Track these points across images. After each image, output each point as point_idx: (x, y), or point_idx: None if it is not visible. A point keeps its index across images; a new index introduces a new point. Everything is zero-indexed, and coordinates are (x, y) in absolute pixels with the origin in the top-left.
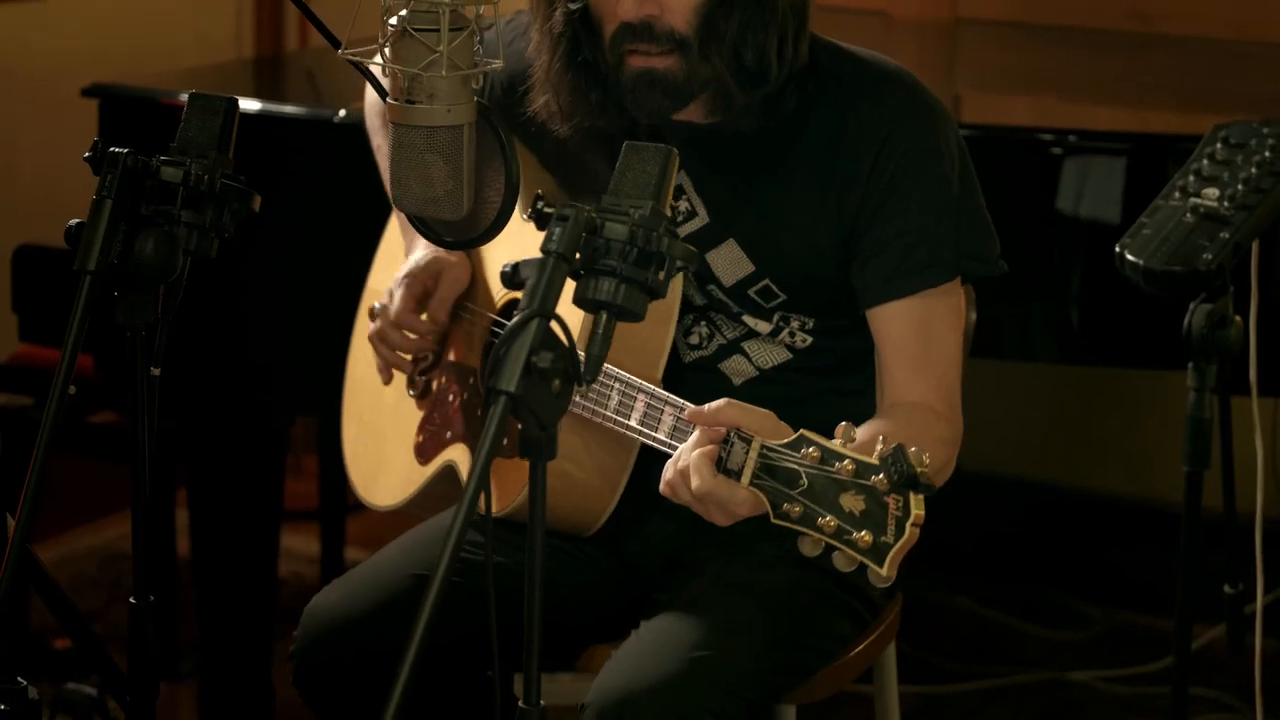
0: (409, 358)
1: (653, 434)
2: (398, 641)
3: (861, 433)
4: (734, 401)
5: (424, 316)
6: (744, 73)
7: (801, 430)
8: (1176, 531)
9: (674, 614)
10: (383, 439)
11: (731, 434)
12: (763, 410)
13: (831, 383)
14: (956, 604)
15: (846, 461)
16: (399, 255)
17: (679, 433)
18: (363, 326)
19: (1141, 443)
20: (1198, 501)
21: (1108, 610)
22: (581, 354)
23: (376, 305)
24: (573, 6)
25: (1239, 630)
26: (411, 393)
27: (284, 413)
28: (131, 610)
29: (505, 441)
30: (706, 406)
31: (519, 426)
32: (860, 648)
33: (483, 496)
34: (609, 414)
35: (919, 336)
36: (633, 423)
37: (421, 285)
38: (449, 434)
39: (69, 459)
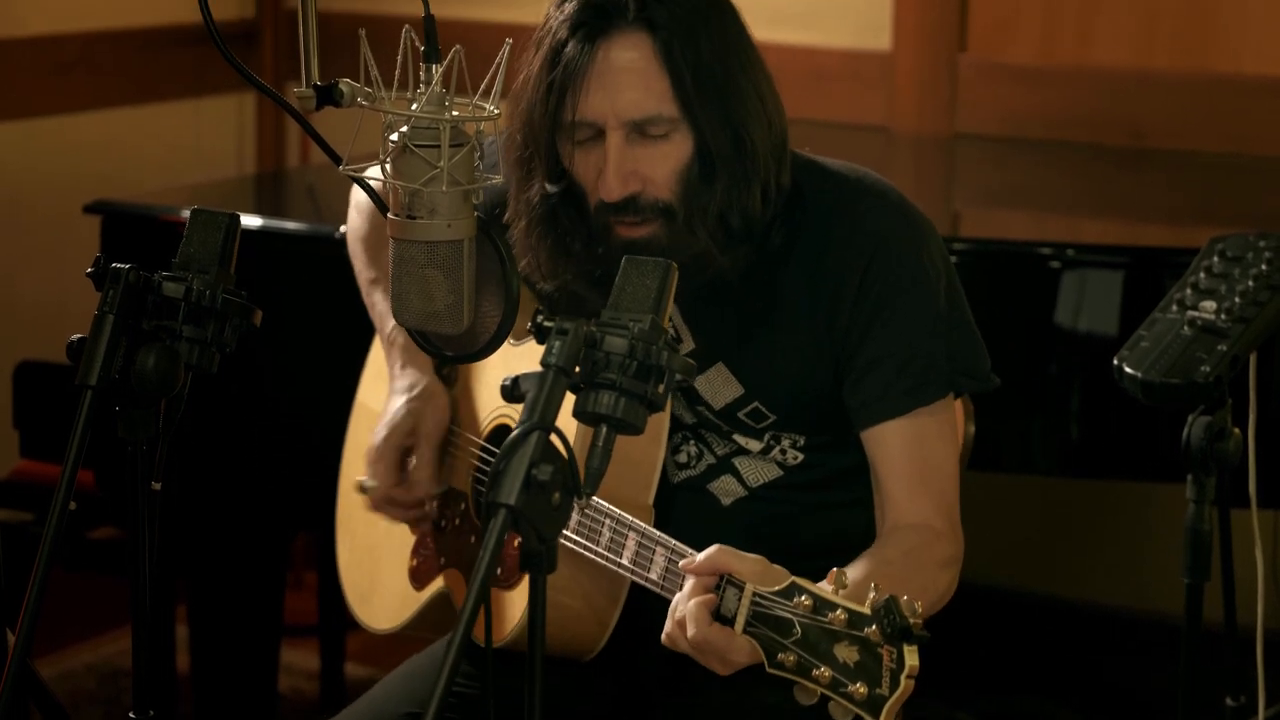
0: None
1: (645, 575)
2: None
3: (854, 573)
4: (725, 547)
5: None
6: (731, 235)
7: (793, 579)
8: (1177, 644)
9: None
10: (377, 560)
11: (723, 580)
12: (754, 556)
13: (822, 497)
14: None
15: (839, 611)
16: (385, 371)
17: (671, 575)
18: (354, 442)
19: (1141, 555)
20: (1198, 614)
21: None
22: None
23: (364, 482)
24: (550, 189)
25: None
26: None
27: (282, 527)
28: None
29: (500, 571)
30: (699, 556)
31: (516, 544)
32: None
33: (483, 619)
34: (601, 550)
35: (915, 456)
36: (624, 561)
37: (398, 454)
38: (442, 560)
39: (69, 574)
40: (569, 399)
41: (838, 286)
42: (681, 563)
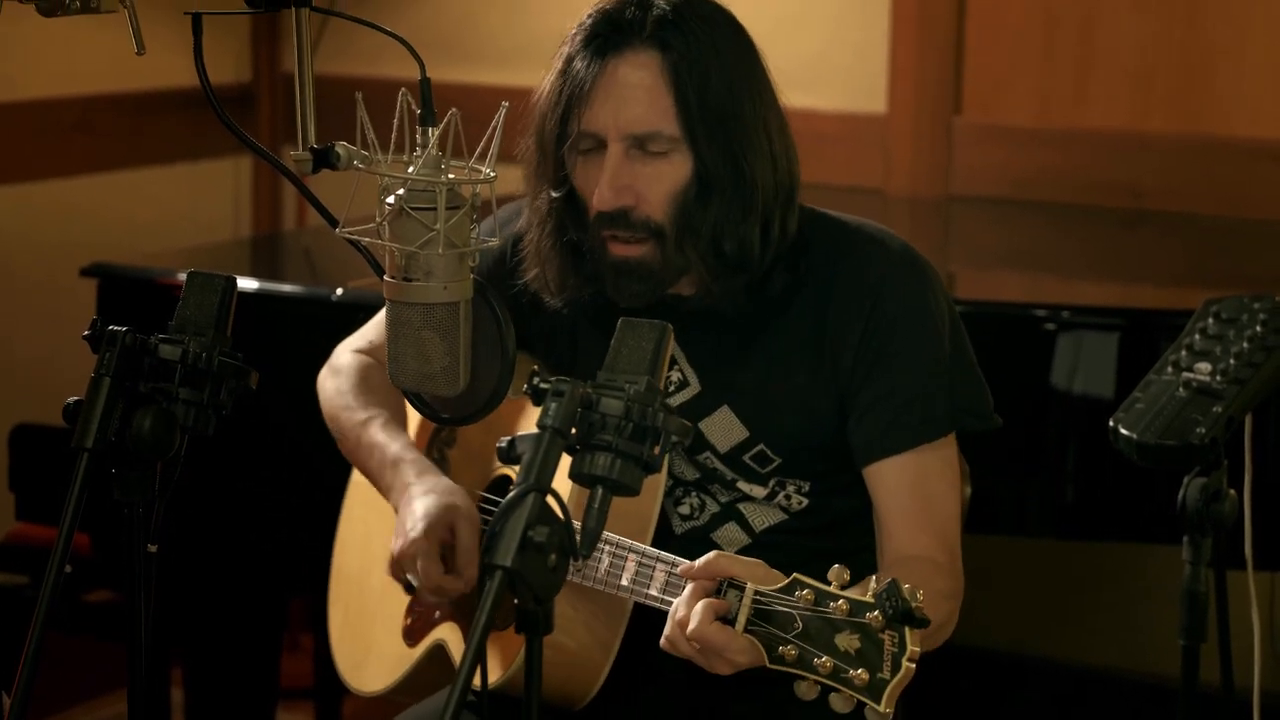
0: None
1: (645, 591)
2: None
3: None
4: (723, 552)
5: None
6: (724, 261)
7: (795, 574)
8: (1174, 706)
9: None
10: (369, 624)
11: (724, 583)
12: (753, 560)
13: (826, 544)
14: None
15: (841, 601)
16: None
17: (671, 588)
18: (349, 513)
19: (1137, 617)
20: (1195, 676)
21: None
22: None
23: (413, 580)
24: (555, 194)
25: None
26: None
27: (278, 590)
28: None
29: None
30: (697, 561)
31: (514, 601)
32: None
33: (479, 672)
34: (600, 578)
35: (917, 492)
36: (624, 582)
37: (438, 548)
38: (437, 614)
39: (65, 638)
40: (565, 460)
41: (842, 328)
42: (680, 568)
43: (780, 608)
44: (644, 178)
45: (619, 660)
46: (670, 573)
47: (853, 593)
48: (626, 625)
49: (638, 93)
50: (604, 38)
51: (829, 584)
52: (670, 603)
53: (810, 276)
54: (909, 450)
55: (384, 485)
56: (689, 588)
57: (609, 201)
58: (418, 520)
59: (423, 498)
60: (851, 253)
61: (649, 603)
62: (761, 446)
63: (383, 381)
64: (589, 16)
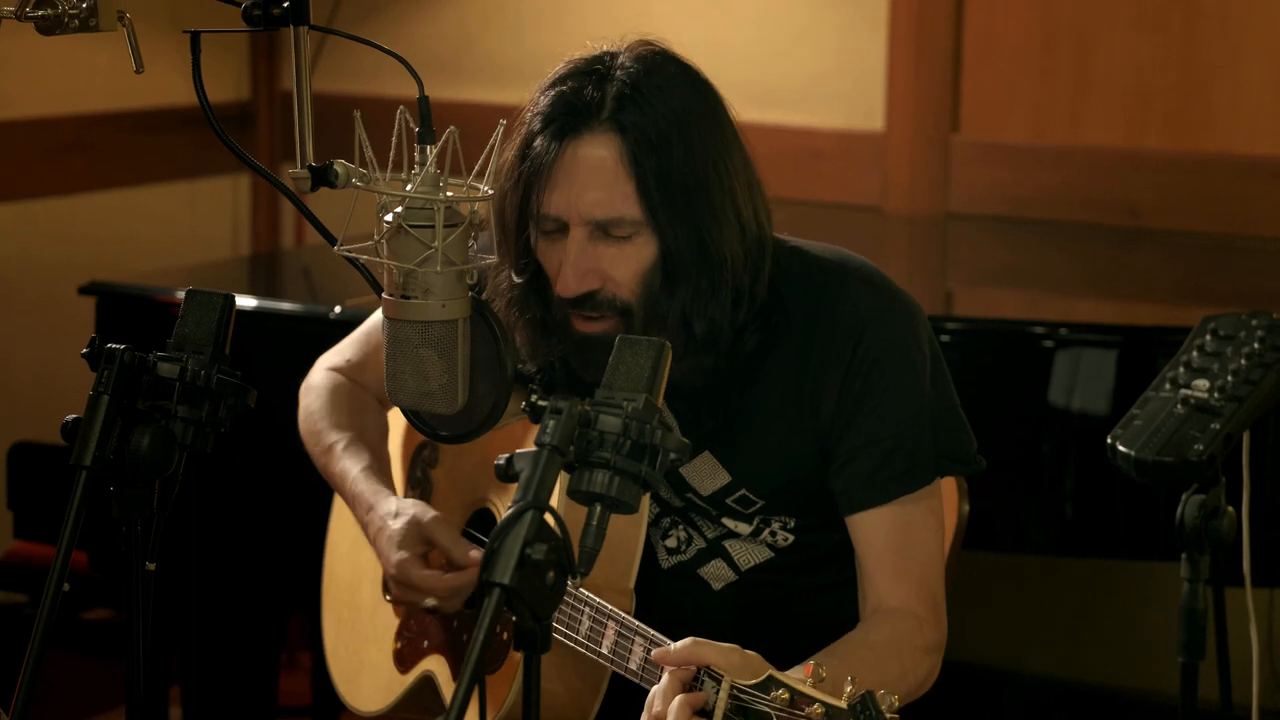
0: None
1: (624, 665)
2: None
3: (833, 661)
4: (700, 640)
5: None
6: (693, 342)
7: (770, 671)
8: None
9: None
10: (362, 640)
11: (701, 673)
12: (729, 646)
13: (813, 579)
14: None
15: (816, 706)
16: None
17: (650, 666)
18: (338, 521)
19: (1136, 634)
20: (1193, 693)
21: None
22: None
23: (428, 604)
24: (517, 280)
25: None
26: (388, 597)
27: (276, 608)
28: None
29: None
30: (673, 647)
31: (503, 636)
32: None
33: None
34: (580, 639)
35: (899, 542)
36: (604, 650)
37: (422, 561)
38: (426, 643)
39: (63, 656)
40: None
41: (823, 372)
42: (654, 653)
43: (757, 705)
44: (609, 259)
45: (608, 699)
46: (647, 649)
47: (828, 696)
48: (611, 673)
49: (597, 177)
50: (559, 120)
51: (805, 680)
52: (648, 681)
53: (788, 326)
54: (892, 502)
55: (355, 518)
56: (665, 678)
57: (572, 288)
58: (391, 555)
59: (383, 529)
60: (831, 294)
61: (628, 676)
62: (744, 491)
63: (350, 401)
64: (544, 94)
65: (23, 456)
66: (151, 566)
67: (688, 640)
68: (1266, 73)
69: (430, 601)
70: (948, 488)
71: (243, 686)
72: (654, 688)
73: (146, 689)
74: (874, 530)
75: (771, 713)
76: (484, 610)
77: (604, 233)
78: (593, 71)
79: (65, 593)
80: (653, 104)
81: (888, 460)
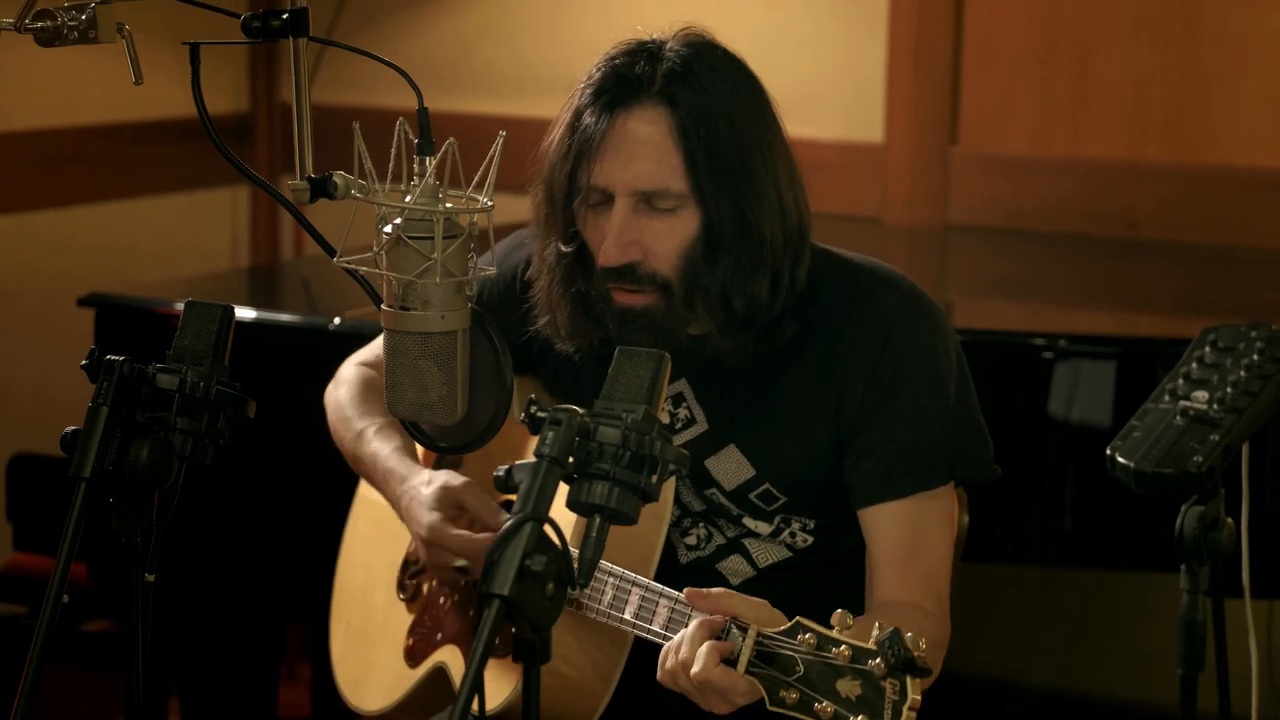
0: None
1: (648, 626)
2: None
3: (858, 621)
4: (731, 591)
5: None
6: (732, 317)
7: (798, 618)
8: None
9: None
10: (371, 644)
11: (729, 623)
12: (759, 600)
13: (830, 580)
14: None
15: (843, 647)
16: None
17: (674, 623)
18: (353, 533)
19: (1136, 646)
20: (1193, 705)
21: None
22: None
23: (457, 564)
24: (564, 249)
25: None
26: (402, 596)
27: (276, 619)
28: None
29: (497, 640)
30: (705, 591)
31: (513, 630)
32: None
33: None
34: (603, 608)
35: (910, 538)
36: (627, 616)
37: (452, 522)
38: (439, 635)
39: (62, 668)
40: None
41: (849, 372)
42: (686, 590)
43: (783, 650)
44: (651, 233)
45: (620, 690)
46: (674, 608)
47: (855, 639)
48: (627, 656)
49: (646, 149)
50: (613, 92)
51: (831, 628)
52: (672, 639)
53: (821, 322)
54: (906, 497)
55: (386, 497)
56: (694, 625)
57: (614, 258)
58: (423, 518)
59: (415, 497)
60: (863, 297)
61: (651, 638)
62: (767, 485)
63: (381, 391)
64: (598, 69)
65: (22, 468)
66: (151, 578)
67: (719, 589)
68: (1266, 85)
69: (460, 561)
70: None
71: (242, 698)
72: (678, 634)
73: (146, 701)
74: (886, 524)
75: (797, 656)
76: (484, 622)
77: (648, 204)
78: (644, 50)
79: (65, 604)
80: (703, 83)
81: (905, 457)
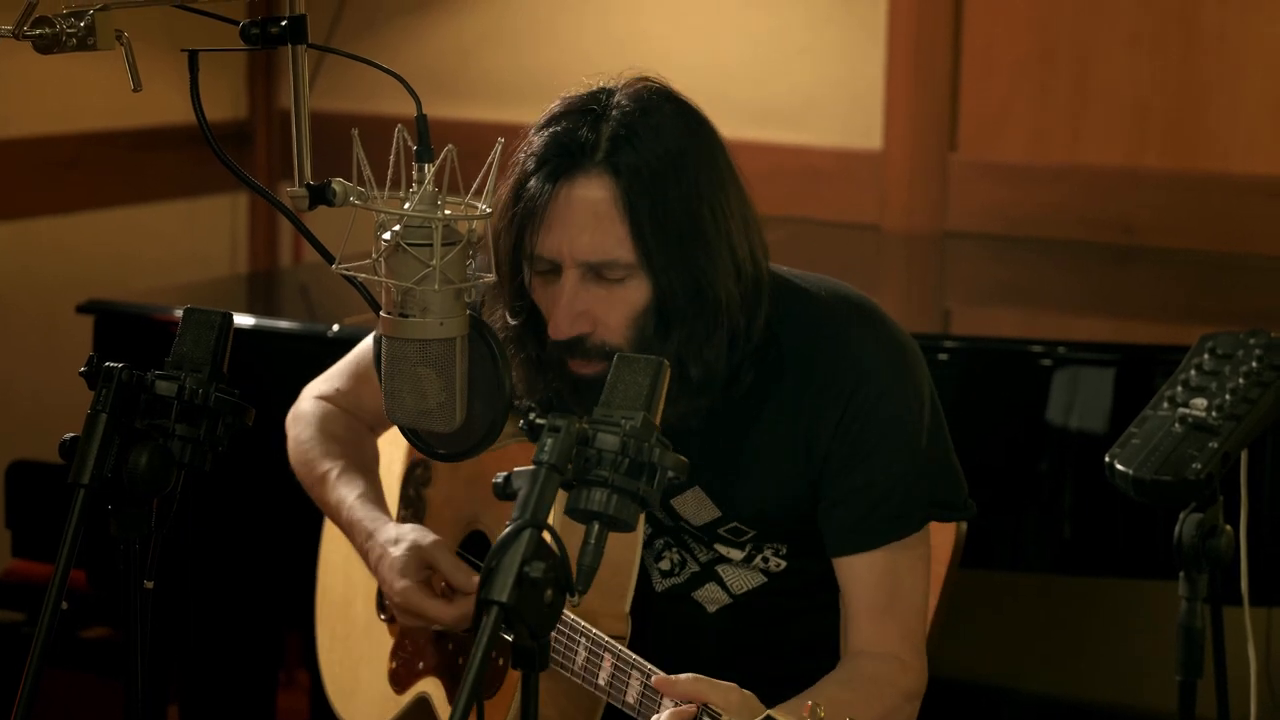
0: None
1: (621, 698)
2: None
3: (827, 695)
4: (701, 677)
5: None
6: (687, 386)
7: (768, 711)
8: None
9: None
10: (356, 657)
11: (701, 711)
12: (729, 685)
13: (808, 601)
14: None
15: None
16: None
17: (646, 701)
18: (330, 535)
19: (1134, 652)
20: (1192, 711)
21: None
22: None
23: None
24: (512, 321)
25: None
26: (383, 617)
27: (274, 625)
28: None
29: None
30: (675, 678)
31: (499, 662)
32: None
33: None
34: (577, 670)
35: (885, 587)
36: (600, 683)
37: (424, 588)
38: (421, 665)
39: (61, 675)
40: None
41: (818, 415)
42: (654, 679)
43: None
44: (601, 302)
45: None
46: (645, 682)
47: None
48: (604, 705)
49: (590, 219)
50: (555, 162)
51: (803, 719)
52: (644, 716)
53: (783, 367)
54: (880, 548)
55: (354, 546)
56: (666, 715)
57: (564, 331)
58: (395, 584)
59: (384, 558)
60: (830, 338)
61: (624, 710)
62: (735, 523)
63: (342, 428)
64: (538, 133)
65: (21, 475)
66: (150, 585)
67: (689, 676)
68: (1264, 92)
69: (437, 626)
70: None
71: (241, 704)
72: None
73: (145, 708)
74: (860, 575)
75: None
76: (482, 628)
77: (597, 275)
78: (588, 111)
79: (63, 611)
80: (647, 144)
81: (878, 507)
